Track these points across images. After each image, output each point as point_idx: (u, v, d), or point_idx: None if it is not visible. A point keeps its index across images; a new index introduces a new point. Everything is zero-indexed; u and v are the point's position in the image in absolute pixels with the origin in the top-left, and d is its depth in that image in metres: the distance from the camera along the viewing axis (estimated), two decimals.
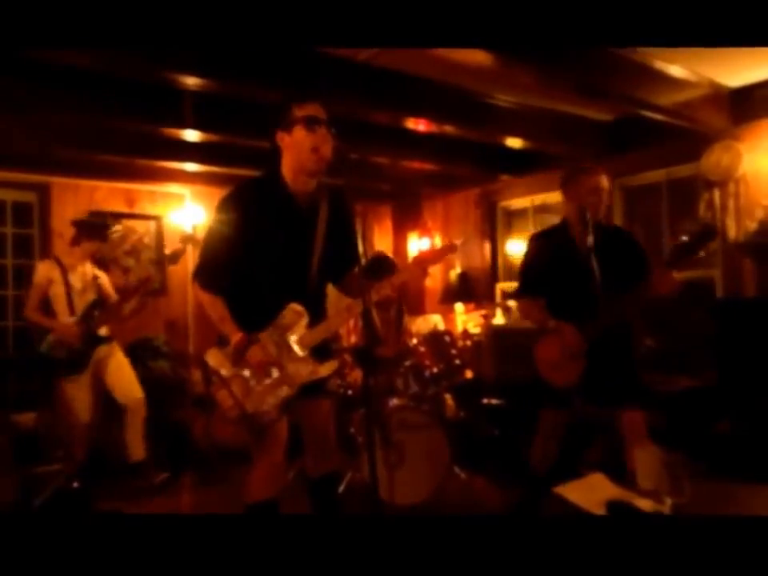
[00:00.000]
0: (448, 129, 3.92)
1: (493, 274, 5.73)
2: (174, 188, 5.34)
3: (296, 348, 1.96)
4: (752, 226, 3.70)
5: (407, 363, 3.81)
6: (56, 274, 3.68)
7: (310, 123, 1.94)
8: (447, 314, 5.70)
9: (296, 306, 1.98)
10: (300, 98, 2.00)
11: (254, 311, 1.98)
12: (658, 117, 3.58)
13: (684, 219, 4.26)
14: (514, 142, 4.25)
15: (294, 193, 2.03)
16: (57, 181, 4.87)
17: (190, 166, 4.65)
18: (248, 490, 2.03)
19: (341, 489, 2.99)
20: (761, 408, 3.29)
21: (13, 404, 4.29)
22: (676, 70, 3.39)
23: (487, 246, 5.75)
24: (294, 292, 2.00)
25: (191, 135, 3.83)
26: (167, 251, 3.77)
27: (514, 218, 5.77)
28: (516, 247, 5.70)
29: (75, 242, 3.78)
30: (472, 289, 5.65)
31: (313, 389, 2.03)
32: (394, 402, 3.47)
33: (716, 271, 4.02)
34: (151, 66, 2.80)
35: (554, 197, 5.16)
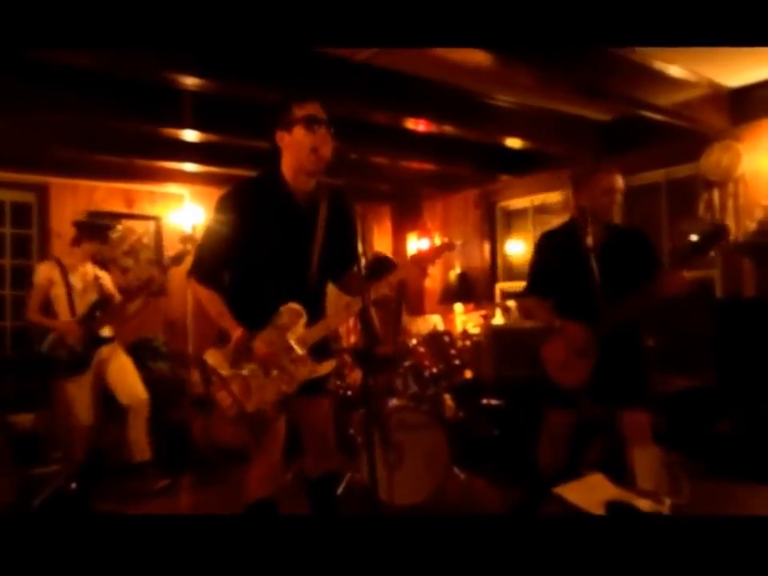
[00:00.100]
0: (447, 129, 3.92)
1: (492, 275, 5.73)
2: (173, 188, 5.34)
3: (295, 347, 1.96)
4: (751, 226, 3.70)
5: (407, 363, 3.81)
6: (56, 274, 3.67)
7: (310, 123, 1.94)
8: (447, 314, 5.70)
9: (295, 305, 1.98)
10: (300, 97, 2.00)
11: (253, 310, 1.98)
12: (658, 117, 3.58)
13: (683, 219, 4.27)
14: (513, 142, 4.25)
15: (293, 192, 2.03)
16: (55, 181, 4.86)
17: (189, 166, 4.65)
18: (246, 489, 2.03)
19: (340, 489, 2.98)
20: (760, 408, 3.29)
21: (11, 405, 4.29)
22: (675, 70, 3.39)
23: (487, 247, 5.75)
24: (293, 291, 2.00)
25: (190, 135, 3.83)
26: (170, 252, 3.75)
27: (513, 219, 5.77)
28: (515, 247, 5.71)
29: (76, 242, 3.77)
30: (471, 289, 5.65)
31: (312, 388, 2.03)
32: (394, 402, 3.46)
33: (715, 271, 4.02)
34: (150, 66, 2.80)
35: (554, 197, 5.17)
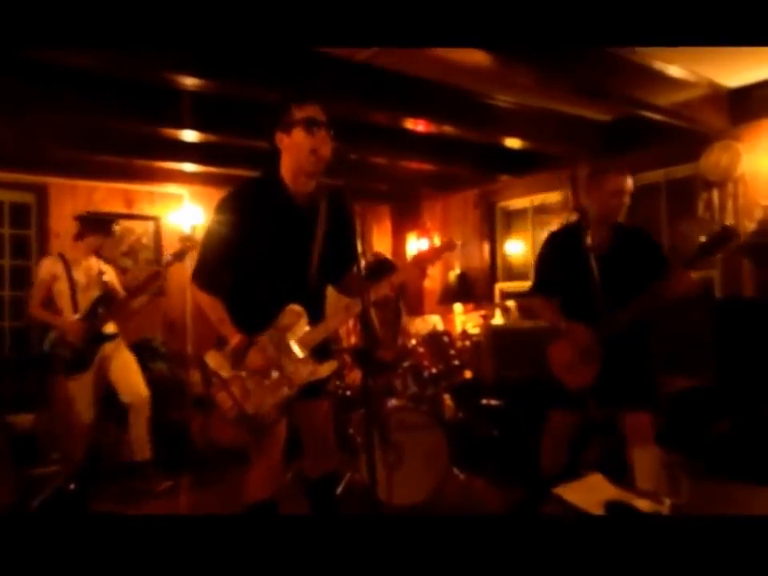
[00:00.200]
0: (447, 129, 3.91)
1: (492, 275, 5.73)
2: (172, 188, 5.34)
3: (296, 349, 1.96)
4: (751, 226, 3.70)
5: (406, 364, 3.80)
6: (60, 269, 3.64)
7: (309, 125, 1.94)
8: (446, 314, 5.70)
9: (295, 307, 1.98)
10: (299, 99, 2.00)
11: (254, 312, 1.98)
12: (657, 117, 3.58)
13: (684, 219, 4.27)
14: (513, 143, 4.25)
15: (293, 193, 2.02)
16: (54, 181, 4.86)
17: (189, 167, 4.65)
18: (246, 490, 2.03)
19: (339, 489, 2.98)
20: (760, 408, 3.29)
21: (10, 405, 4.28)
22: (675, 71, 3.39)
23: (486, 247, 5.75)
24: (293, 293, 2.00)
25: (189, 135, 3.82)
26: (172, 250, 3.73)
27: (513, 219, 5.77)
28: (515, 248, 5.71)
29: (79, 236, 3.73)
30: (471, 289, 5.65)
31: (312, 389, 2.03)
32: (393, 402, 3.46)
33: (715, 271, 4.02)
34: (150, 67, 2.79)
35: (554, 197, 5.17)
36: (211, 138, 3.91)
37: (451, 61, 2.96)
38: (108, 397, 3.76)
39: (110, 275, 3.87)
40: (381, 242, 6.60)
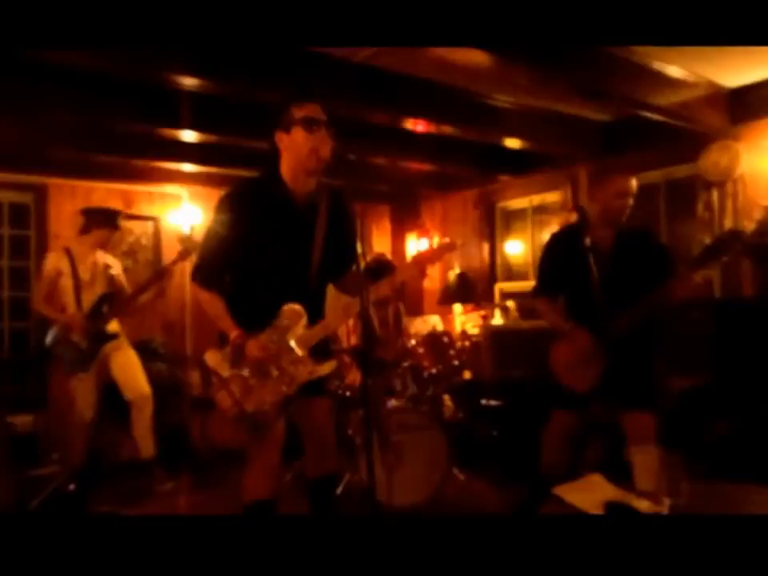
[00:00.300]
0: (446, 129, 3.91)
1: (491, 275, 5.73)
2: (171, 189, 5.33)
3: (295, 348, 1.96)
4: (750, 226, 3.70)
5: (406, 364, 3.80)
6: (65, 265, 3.61)
7: (309, 124, 1.93)
8: (446, 314, 5.69)
9: (295, 306, 1.98)
10: (300, 98, 2.00)
11: (254, 311, 1.97)
12: (657, 117, 3.58)
13: (683, 220, 4.27)
14: (512, 143, 4.25)
15: (293, 193, 2.02)
16: (53, 182, 4.85)
17: (188, 167, 4.64)
18: (245, 490, 2.03)
19: (339, 490, 2.98)
20: (760, 408, 3.29)
21: (10, 405, 4.27)
22: (674, 71, 3.39)
23: (486, 247, 5.75)
24: (293, 292, 2.00)
25: (188, 136, 3.82)
26: (172, 250, 3.71)
27: (512, 219, 5.76)
28: (515, 248, 5.70)
29: (85, 230, 3.69)
30: (471, 289, 5.63)
31: (312, 389, 2.03)
32: (393, 403, 3.46)
33: (714, 271, 4.02)
34: (149, 67, 2.79)
35: (553, 197, 5.16)
36: (210, 138, 3.90)
37: (451, 61, 2.96)
38: (108, 395, 3.75)
39: (117, 269, 3.83)
40: (380, 242, 6.60)
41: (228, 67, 2.91)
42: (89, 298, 3.62)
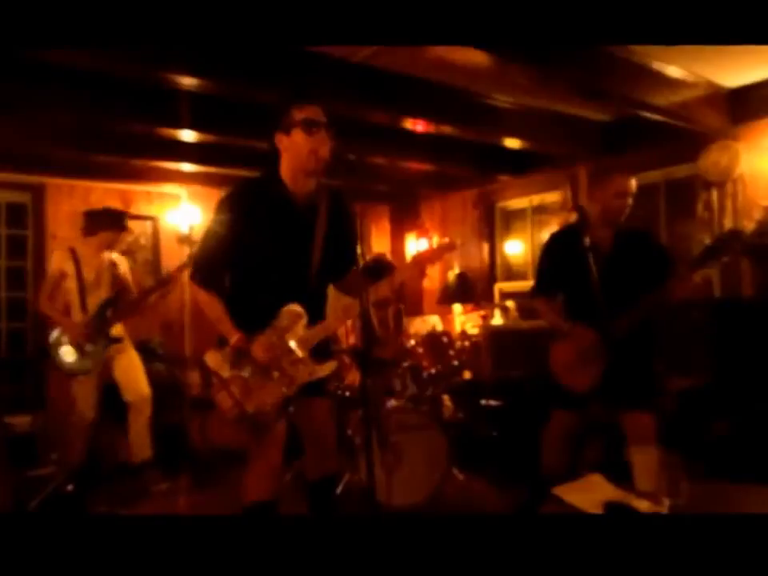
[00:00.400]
0: (446, 129, 3.91)
1: (491, 275, 5.73)
2: (170, 188, 5.32)
3: (295, 349, 1.95)
4: (750, 226, 3.70)
5: (405, 364, 3.80)
6: (69, 266, 3.58)
7: (309, 126, 1.93)
8: (445, 314, 5.69)
9: (295, 307, 1.98)
10: (299, 99, 2.00)
11: (254, 312, 1.97)
12: (656, 117, 3.58)
13: (682, 220, 4.27)
14: (512, 143, 4.24)
15: (292, 194, 2.02)
16: (51, 181, 4.84)
17: (187, 167, 4.64)
18: (244, 491, 2.02)
19: (338, 490, 2.97)
20: (760, 408, 3.29)
21: (9, 405, 4.26)
22: (674, 71, 3.39)
23: (485, 247, 5.74)
24: (293, 293, 1.99)
25: (187, 135, 3.81)
26: (172, 250, 3.69)
27: (512, 219, 5.76)
28: (514, 248, 5.70)
29: (91, 232, 3.64)
30: (470, 289, 5.63)
31: (312, 389, 2.03)
32: (392, 403, 3.45)
33: (714, 271, 4.02)
34: (148, 66, 2.79)
35: (553, 197, 5.16)
36: (209, 137, 3.89)
37: (450, 61, 2.96)
38: (107, 396, 3.74)
39: (124, 267, 3.81)
40: (379, 243, 6.59)
41: (227, 67, 2.91)
42: (93, 301, 3.61)
